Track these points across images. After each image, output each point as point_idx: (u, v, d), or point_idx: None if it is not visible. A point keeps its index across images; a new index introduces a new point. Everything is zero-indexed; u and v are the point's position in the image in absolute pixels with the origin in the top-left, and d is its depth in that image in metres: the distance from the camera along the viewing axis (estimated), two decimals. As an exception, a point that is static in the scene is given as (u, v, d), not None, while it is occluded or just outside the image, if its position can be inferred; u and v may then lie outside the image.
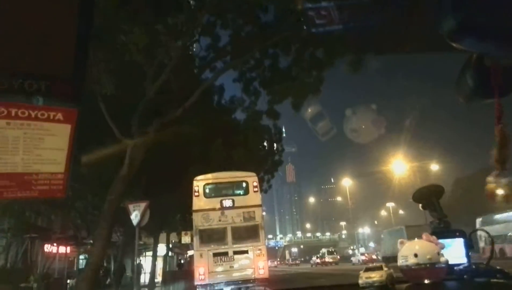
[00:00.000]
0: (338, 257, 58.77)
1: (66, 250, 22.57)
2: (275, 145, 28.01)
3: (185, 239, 29.90)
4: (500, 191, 1.33)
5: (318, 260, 59.39)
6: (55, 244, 21.30)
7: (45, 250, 21.60)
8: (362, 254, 47.39)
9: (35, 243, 20.70)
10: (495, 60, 1.24)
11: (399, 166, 41.93)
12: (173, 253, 38.31)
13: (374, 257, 45.83)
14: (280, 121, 27.11)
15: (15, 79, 1.14)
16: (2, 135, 1.20)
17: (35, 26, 1.15)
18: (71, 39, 1.20)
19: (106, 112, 11.09)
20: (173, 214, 25.73)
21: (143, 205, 11.08)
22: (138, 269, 30.24)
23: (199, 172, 15.08)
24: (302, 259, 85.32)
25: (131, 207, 11.15)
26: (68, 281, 20.81)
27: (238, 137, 21.18)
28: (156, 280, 27.15)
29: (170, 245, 33.65)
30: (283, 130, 29.47)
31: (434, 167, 40.18)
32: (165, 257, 32.00)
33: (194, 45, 15.20)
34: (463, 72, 1.33)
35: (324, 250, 63.30)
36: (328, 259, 56.22)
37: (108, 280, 22.72)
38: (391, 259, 29.70)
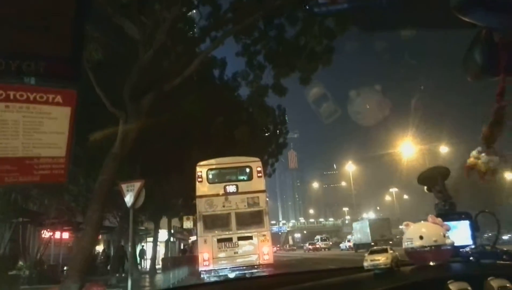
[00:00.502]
0: (330, 243, 63.72)
1: (61, 236, 21.29)
2: (279, 127, 26.52)
3: (187, 224, 29.25)
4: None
5: (310, 246, 63.69)
6: (48, 230, 19.90)
7: (38, 235, 20.45)
8: (349, 241, 50.88)
9: (27, 228, 19.54)
10: (504, 36, 1.21)
11: (405, 149, 40.58)
12: (175, 239, 37.43)
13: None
14: (282, 104, 26.05)
15: (12, 60, 1.13)
16: (1, 118, 1.19)
17: (32, 6, 1.14)
18: (68, 19, 1.19)
19: (94, 80, 9.79)
20: (175, 198, 24.80)
21: (137, 184, 10.12)
22: (141, 254, 29.51)
23: (199, 153, 15.23)
24: (301, 245, 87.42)
25: (124, 187, 10.22)
26: (65, 268, 19.73)
27: (241, 115, 19.90)
28: (157, 266, 26.02)
29: (172, 231, 32.55)
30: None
31: (443, 149, 38.67)
32: (167, 242, 31.11)
33: (194, 11, 13.75)
34: (472, 48, 1.28)
35: (318, 236, 68.40)
36: (322, 245, 60.71)
37: (109, 266, 21.53)
38: (360, 246, 41.14)
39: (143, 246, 32.43)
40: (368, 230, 41.94)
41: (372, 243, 37.04)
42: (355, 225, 48.85)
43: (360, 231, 44.74)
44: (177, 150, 17.72)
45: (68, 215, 20.35)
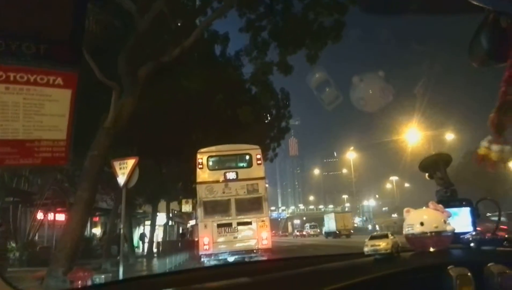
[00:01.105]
0: (318, 231, 67.62)
1: (54, 217, 20.56)
2: (282, 110, 25.75)
3: (186, 207, 28.79)
4: (490, 157, 1.38)
5: (298, 233, 73.12)
6: (41, 210, 19.19)
7: (30, 216, 19.62)
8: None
9: (18, 208, 18.68)
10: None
11: (409, 136, 39.70)
12: (173, 222, 36.90)
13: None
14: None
15: (13, 41, 1.13)
16: (1, 100, 1.20)
17: None
18: (69, 1, 1.21)
19: (84, 48, 8.81)
20: (173, 181, 24.04)
21: (131, 162, 9.50)
22: (142, 238, 28.96)
23: (200, 135, 15.84)
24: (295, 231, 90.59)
25: (116, 164, 9.62)
26: (58, 250, 19.08)
27: (244, 95, 18.99)
28: (155, 250, 25.43)
29: (170, 214, 31.97)
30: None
31: (449, 136, 37.79)
32: (165, 226, 30.58)
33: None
34: (478, 34, 1.28)
35: (307, 224, 76.12)
36: (311, 232, 66.91)
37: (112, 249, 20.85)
38: (329, 233, 50.46)
39: (143, 229, 31.83)
40: (334, 221, 50.47)
41: (337, 231, 48.26)
42: (326, 217, 58.45)
43: (329, 222, 53.86)
44: (176, 131, 17.13)
45: (61, 195, 19.56)
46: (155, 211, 26.61)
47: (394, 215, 68.68)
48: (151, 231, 27.00)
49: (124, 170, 9.77)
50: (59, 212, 22.06)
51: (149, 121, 15.43)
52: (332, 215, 53.72)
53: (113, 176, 10.19)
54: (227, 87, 17.74)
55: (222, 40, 17.34)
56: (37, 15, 1.13)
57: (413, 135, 38.08)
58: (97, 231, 30.97)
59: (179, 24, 12.42)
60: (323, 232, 57.53)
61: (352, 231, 49.88)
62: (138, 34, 10.43)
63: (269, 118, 26.15)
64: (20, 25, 1.13)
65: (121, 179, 9.75)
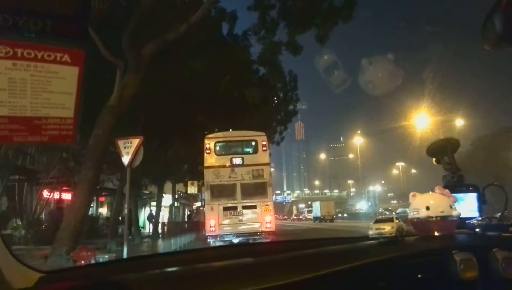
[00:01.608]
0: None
1: (60, 196, 20.55)
2: (289, 93, 25.36)
3: (191, 189, 28.78)
4: None
5: (295, 217, 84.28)
6: (46, 189, 19.18)
7: (36, 195, 19.56)
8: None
9: (23, 186, 18.65)
10: None
11: (418, 121, 39.10)
12: (179, 204, 36.98)
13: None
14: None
15: (20, 17, 1.11)
16: (9, 76, 1.19)
17: None
18: None
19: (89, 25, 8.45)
20: (179, 163, 23.89)
21: (136, 141, 9.28)
22: (150, 218, 29.09)
23: (206, 116, 16.11)
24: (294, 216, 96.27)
25: (121, 143, 9.42)
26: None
27: (251, 76, 18.58)
28: (161, 231, 25.52)
29: (176, 196, 31.99)
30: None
31: (459, 122, 37.15)
32: (171, 207, 30.59)
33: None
34: (491, 16, 1.25)
35: (305, 209, 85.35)
36: (308, 216, 72.85)
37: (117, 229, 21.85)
38: (316, 218, 60.20)
39: (151, 210, 31.96)
40: (319, 208, 61.42)
41: (321, 217, 58.03)
42: (314, 204, 68.82)
43: (315, 209, 64.82)
44: (182, 112, 16.85)
45: (67, 174, 19.48)
46: (160, 192, 26.69)
47: (394, 202, 76.60)
48: (156, 212, 27.04)
49: (128, 149, 9.57)
50: (65, 191, 22.13)
51: (155, 102, 15.25)
52: (318, 203, 64.94)
53: (119, 156, 10.04)
54: (234, 68, 17.41)
55: (229, 18, 16.94)
56: None
57: (422, 120, 37.59)
58: (104, 210, 31.12)
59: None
60: (312, 217, 65.61)
61: (334, 217, 59.42)
62: (143, 10, 10.09)
63: (276, 101, 25.78)
64: (27, 1, 1.13)
65: (126, 159, 9.57)
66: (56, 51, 1.22)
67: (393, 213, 33.34)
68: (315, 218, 60.91)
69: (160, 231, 27.05)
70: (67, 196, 21.62)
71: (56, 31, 1.15)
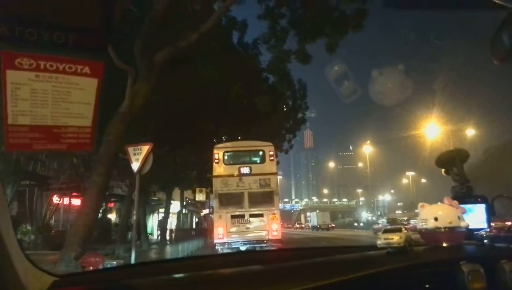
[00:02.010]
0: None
1: (70, 202, 20.71)
2: (298, 102, 25.37)
3: (199, 196, 28.84)
4: None
5: (297, 225, 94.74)
6: (57, 194, 19.36)
7: (46, 200, 19.74)
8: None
9: (34, 192, 18.82)
10: None
11: (428, 131, 38.79)
12: (187, 211, 37.00)
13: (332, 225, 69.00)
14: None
15: (44, 31, 1.16)
16: (31, 87, 1.24)
17: None
18: None
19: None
20: (188, 170, 23.97)
21: (145, 148, 9.39)
22: (160, 225, 29.01)
23: (215, 124, 16.45)
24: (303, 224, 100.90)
25: (131, 150, 9.51)
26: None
27: (261, 85, 18.64)
28: (168, 237, 25.54)
29: (184, 203, 32.00)
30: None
31: (470, 132, 36.74)
32: (179, 214, 30.64)
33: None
34: (499, 31, 1.27)
35: (308, 217, 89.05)
36: (309, 225, 78.84)
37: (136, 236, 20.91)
38: (313, 227, 66.52)
39: (162, 217, 32.04)
40: (316, 218, 68.54)
41: (318, 226, 64.11)
42: (312, 214, 77.19)
43: (313, 218, 72.28)
44: (192, 119, 16.81)
45: (77, 180, 19.63)
46: (169, 199, 26.74)
47: (398, 212, 78.98)
48: (164, 218, 27.07)
49: (138, 156, 9.67)
50: (75, 196, 22.22)
51: (165, 110, 15.35)
52: (315, 213, 73.15)
53: (129, 162, 10.12)
54: (244, 76, 17.50)
55: (240, 27, 17.04)
56: (67, 7, 1.18)
57: (432, 130, 37.29)
58: (112, 216, 31.22)
59: (196, 8, 12.17)
60: (310, 226, 71.32)
61: (329, 226, 65.18)
62: (154, 18, 10.21)
63: (285, 109, 25.80)
64: (52, 16, 1.16)
65: (135, 165, 9.66)
66: (77, 63, 1.27)
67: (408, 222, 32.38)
68: (313, 227, 66.24)
69: (168, 237, 27.15)
70: (77, 202, 21.88)
71: (78, 44, 1.19)
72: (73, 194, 22.01)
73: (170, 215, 28.32)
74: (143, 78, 10.43)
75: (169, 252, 19.23)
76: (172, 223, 31.17)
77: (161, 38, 11.16)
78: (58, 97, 1.28)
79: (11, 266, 1.20)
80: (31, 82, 1.23)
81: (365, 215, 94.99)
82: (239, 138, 19.14)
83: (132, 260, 9.69)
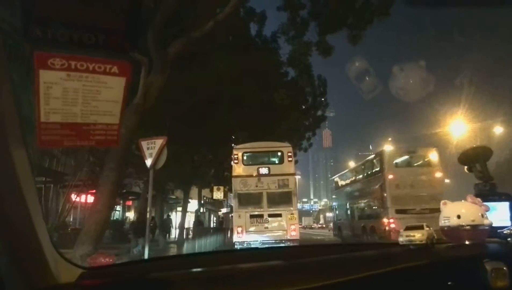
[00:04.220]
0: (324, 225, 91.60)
1: (86, 199, 20.62)
2: (318, 98, 24.76)
3: (217, 194, 28.55)
4: None
5: (318, 225, 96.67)
6: (73, 192, 19.30)
7: (62, 197, 19.72)
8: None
9: (50, 189, 18.76)
10: None
11: (453, 129, 37.33)
12: (204, 209, 36.76)
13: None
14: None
15: (75, 32, 1.21)
16: (63, 86, 1.29)
17: None
18: None
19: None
20: (205, 167, 23.55)
21: (159, 142, 9.09)
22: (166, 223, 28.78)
23: (233, 120, 16.07)
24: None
25: (144, 144, 9.23)
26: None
27: (280, 79, 18.10)
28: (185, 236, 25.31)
29: (202, 201, 31.75)
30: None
31: (498, 130, 35.20)
32: (197, 212, 30.40)
33: None
34: None
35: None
36: (319, 225, 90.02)
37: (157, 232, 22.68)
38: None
39: (169, 215, 31.87)
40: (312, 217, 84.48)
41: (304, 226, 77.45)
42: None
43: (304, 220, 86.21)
44: (209, 115, 16.34)
45: (93, 178, 19.45)
46: (186, 197, 26.62)
47: None
48: (182, 217, 26.83)
49: (152, 151, 9.31)
50: (92, 194, 22.01)
51: (181, 104, 15.00)
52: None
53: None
54: (262, 70, 17.08)
55: (258, 18, 16.54)
56: (97, 9, 1.21)
57: (457, 127, 35.88)
58: (131, 215, 31.16)
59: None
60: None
61: (324, 226, 77.53)
62: (168, 7, 9.75)
63: (303, 107, 25.21)
64: (82, 18, 1.20)
65: (149, 160, 9.29)
66: (106, 63, 1.31)
67: None
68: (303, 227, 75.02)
69: (185, 236, 26.84)
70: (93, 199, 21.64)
71: (107, 44, 1.23)
72: (90, 191, 21.77)
73: (188, 213, 28.02)
74: (157, 70, 10.01)
75: (186, 251, 18.89)
76: (190, 222, 30.88)
77: (175, 28, 10.71)
78: (88, 95, 1.33)
79: (44, 258, 1.30)
80: (63, 81, 1.27)
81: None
82: (258, 135, 18.78)
83: (146, 257, 9.35)
